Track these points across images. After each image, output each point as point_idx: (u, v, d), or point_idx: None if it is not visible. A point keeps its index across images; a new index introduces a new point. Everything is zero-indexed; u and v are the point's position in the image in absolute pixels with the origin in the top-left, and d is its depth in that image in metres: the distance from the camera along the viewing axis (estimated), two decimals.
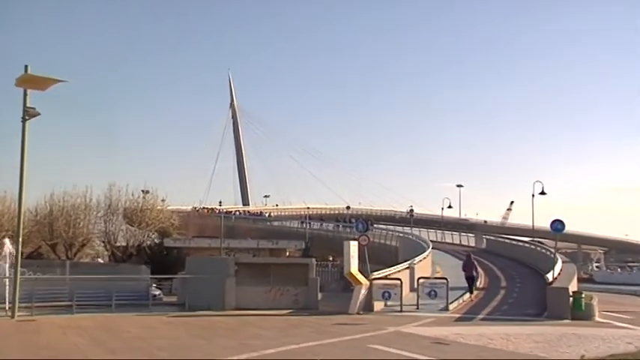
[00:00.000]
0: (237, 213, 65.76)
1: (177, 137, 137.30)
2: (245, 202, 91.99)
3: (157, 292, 23.02)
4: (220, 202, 79.05)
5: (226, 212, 62.79)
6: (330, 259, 38.78)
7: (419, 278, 20.85)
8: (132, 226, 37.12)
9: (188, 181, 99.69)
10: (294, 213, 75.79)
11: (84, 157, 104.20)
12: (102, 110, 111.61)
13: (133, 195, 37.71)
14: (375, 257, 39.55)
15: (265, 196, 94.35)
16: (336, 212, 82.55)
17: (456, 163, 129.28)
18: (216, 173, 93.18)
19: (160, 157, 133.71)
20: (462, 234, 52.02)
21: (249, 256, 35.93)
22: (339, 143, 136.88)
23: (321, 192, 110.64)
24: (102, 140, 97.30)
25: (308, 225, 54.74)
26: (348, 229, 49.71)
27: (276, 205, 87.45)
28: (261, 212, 70.78)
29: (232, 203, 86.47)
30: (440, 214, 56.97)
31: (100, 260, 38.47)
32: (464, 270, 22.17)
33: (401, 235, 40.80)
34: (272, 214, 72.77)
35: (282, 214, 74.58)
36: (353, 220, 55.95)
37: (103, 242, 36.80)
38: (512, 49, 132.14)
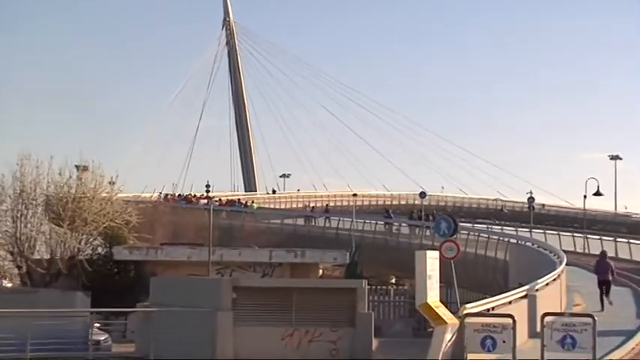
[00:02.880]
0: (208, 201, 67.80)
1: (136, 81, 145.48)
2: (249, 187, 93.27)
3: (103, 337, 23.52)
4: (208, 187, 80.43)
5: (200, 199, 63.71)
6: (393, 281, 38.63)
7: (544, 314, 20.47)
8: (59, 226, 37.63)
9: (154, 153, 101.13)
10: (335, 203, 76.55)
11: None
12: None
13: (61, 175, 38.23)
14: (470, 278, 39.55)
15: (283, 176, 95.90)
16: (403, 203, 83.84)
17: (607, 124, 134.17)
18: (201, 139, 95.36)
19: (107, 112, 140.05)
20: (621, 239, 50.17)
21: (256, 275, 36.17)
22: (409, 95, 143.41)
23: (379, 171, 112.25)
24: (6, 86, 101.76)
25: (355, 224, 55.59)
26: (424, 231, 50.50)
27: (298, 191, 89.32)
28: (246, 202, 72.85)
29: (229, 189, 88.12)
30: (581, 205, 58.20)
31: (6, 283, 39.14)
32: (596, 272, 23.14)
33: (513, 241, 40.84)
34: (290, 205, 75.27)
35: (313, 203, 76.47)
36: (431, 217, 57.38)
37: (11, 253, 37.23)
38: None
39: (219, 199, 73.01)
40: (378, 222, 57.88)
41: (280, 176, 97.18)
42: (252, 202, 74.20)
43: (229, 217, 63.30)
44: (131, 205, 42.81)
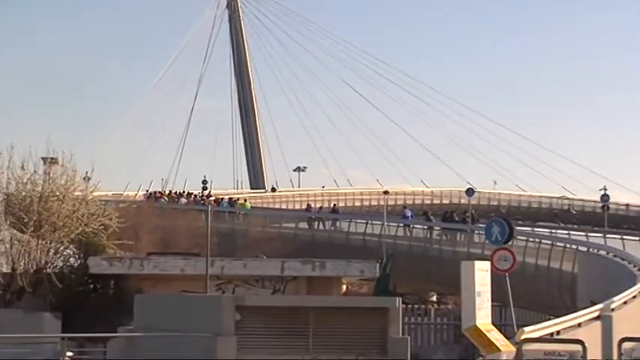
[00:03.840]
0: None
1: (116, 58, 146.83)
2: (256, 183, 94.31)
3: None
4: (205, 183, 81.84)
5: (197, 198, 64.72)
6: (433, 298, 38.35)
7: (622, 340, 20.63)
8: (22, 232, 37.69)
9: (139, 142, 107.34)
10: (362, 202, 76.34)
11: None
12: None
13: (24, 168, 38.30)
14: (529, 295, 40.27)
15: (298, 170, 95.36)
16: (446, 202, 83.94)
17: None
18: (197, 125, 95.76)
19: (81, 93, 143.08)
20: None
21: (265, 292, 36.42)
22: (457, 73, 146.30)
23: (416, 163, 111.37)
24: None
25: (386, 229, 56.09)
26: (469, 235, 50.68)
27: (323, 187, 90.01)
28: (235, 200, 73.54)
29: (231, 186, 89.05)
30: None
31: None
32: None
33: (583, 249, 40.90)
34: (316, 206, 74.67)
35: (337, 202, 76.96)
36: (470, 218, 57.65)
37: None
38: None
39: (202, 197, 73.81)
40: (415, 226, 58.20)
41: (294, 170, 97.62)
42: (245, 200, 74.77)
43: (231, 221, 63.90)
44: (111, 205, 42.86)
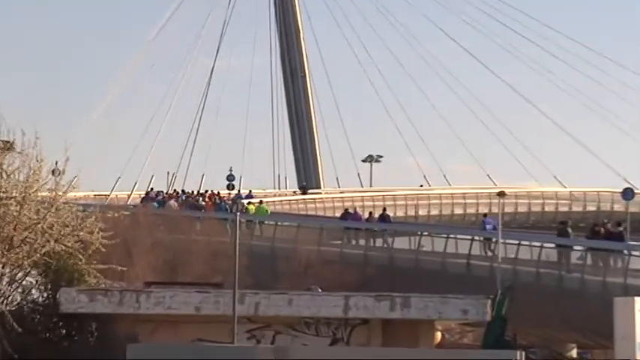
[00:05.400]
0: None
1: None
2: (308, 179, 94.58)
3: None
4: (232, 179, 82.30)
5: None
6: (573, 353, 40.49)
7: None
8: None
9: (134, 119, 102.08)
10: (465, 208, 76.23)
11: None
12: None
13: None
14: None
15: (370, 160, 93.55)
16: (592, 209, 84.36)
17: None
18: (218, 95, 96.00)
19: (56, 51, 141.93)
20: None
21: (321, 342, 36.68)
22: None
23: (548, 153, 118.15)
24: None
25: (504, 249, 55.11)
26: (626, 258, 50.40)
27: (421, 186, 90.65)
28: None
29: (270, 183, 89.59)
30: None
31: None
32: None
33: None
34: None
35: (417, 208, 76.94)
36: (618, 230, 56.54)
37: None
38: None
39: (193, 196, 74.28)
40: (545, 244, 57.26)
41: (364, 160, 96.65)
42: (261, 202, 74.31)
43: (266, 235, 63.77)
44: (93, 212, 42.16)
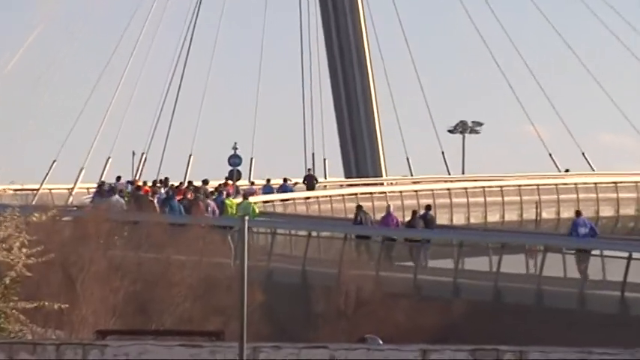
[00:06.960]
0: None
1: None
2: (366, 166, 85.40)
3: None
4: (236, 163, 73.12)
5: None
6: None
7: None
8: None
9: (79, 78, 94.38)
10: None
11: None
12: None
13: None
14: None
15: (461, 129, 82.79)
16: None
17: None
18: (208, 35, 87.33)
19: None
20: None
21: None
22: None
23: None
24: None
25: None
26: None
27: (567, 170, 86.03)
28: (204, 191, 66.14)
29: (299, 169, 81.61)
30: None
31: None
32: None
33: None
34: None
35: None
36: None
37: None
38: None
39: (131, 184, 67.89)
40: None
41: (452, 129, 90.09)
42: (246, 193, 67.73)
43: (294, 254, 54.92)
44: (15, 217, 38.05)
